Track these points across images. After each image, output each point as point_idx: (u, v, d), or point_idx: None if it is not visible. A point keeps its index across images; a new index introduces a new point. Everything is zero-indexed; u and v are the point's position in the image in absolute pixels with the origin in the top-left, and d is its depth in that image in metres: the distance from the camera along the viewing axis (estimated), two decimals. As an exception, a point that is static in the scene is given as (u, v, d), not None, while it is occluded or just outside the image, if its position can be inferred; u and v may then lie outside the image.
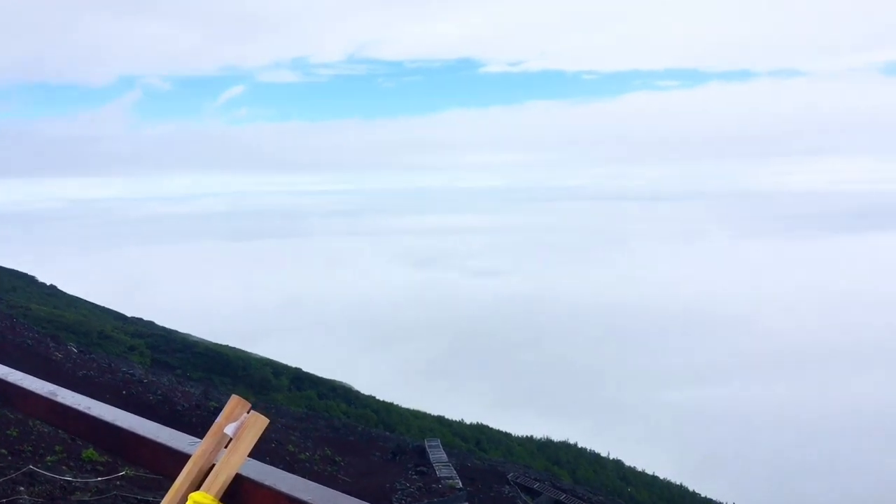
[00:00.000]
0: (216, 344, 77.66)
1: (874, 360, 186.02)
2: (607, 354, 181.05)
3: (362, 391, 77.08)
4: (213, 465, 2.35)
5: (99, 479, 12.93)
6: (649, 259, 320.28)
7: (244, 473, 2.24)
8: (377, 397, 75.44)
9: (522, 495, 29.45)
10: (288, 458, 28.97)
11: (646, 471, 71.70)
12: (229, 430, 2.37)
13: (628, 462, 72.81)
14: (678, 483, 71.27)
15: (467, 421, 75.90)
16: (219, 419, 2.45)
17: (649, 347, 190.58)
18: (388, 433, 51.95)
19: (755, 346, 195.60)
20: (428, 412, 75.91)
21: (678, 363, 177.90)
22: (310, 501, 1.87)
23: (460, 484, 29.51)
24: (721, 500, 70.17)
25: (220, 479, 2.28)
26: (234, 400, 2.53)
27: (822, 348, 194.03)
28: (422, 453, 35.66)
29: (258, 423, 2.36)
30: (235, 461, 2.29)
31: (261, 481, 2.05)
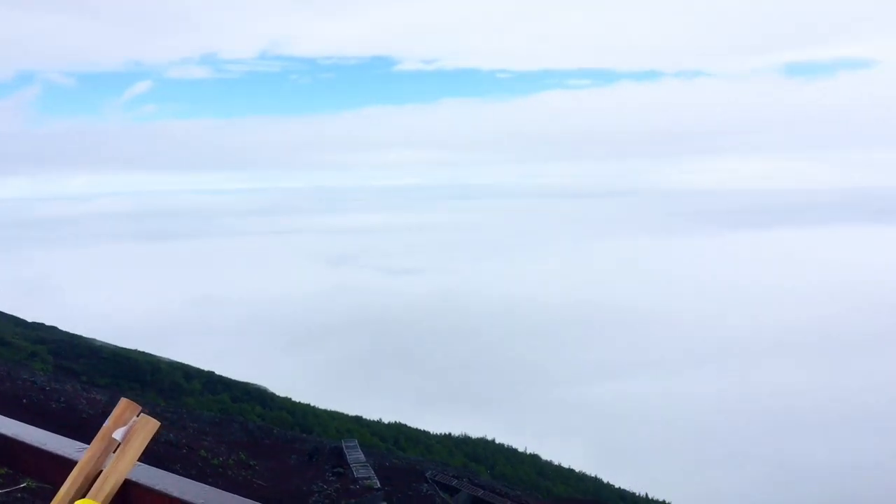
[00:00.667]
0: (123, 348, 75.18)
1: (775, 351, 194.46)
2: (523, 351, 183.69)
3: (278, 393, 75.97)
4: (101, 470, 2.22)
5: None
6: (563, 256, 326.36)
7: (133, 479, 2.12)
8: (293, 399, 74.49)
9: (441, 493, 29.53)
10: (200, 464, 28.24)
11: (562, 464, 73.00)
12: (118, 434, 2.23)
13: (545, 456, 73.96)
14: (593, 475, 72.82)
15: (385, 420, 75.73)
16: (107, 423, 2.31)
17: (564, 343, 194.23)
18: (304, 435, 51.30)
19: (665, 340, 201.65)
20: (345, 413, 75.37)
21: (592, 358, 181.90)
22: None
23: (378, 484, 29.37)
24: (634, 491, 72.01)
25: (107, 484, 2.16)
26: (124, 403, 2.39)
27: (725, 341, 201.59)
28: (339, 454, 35.34)
29: (148, 427, 2.23)
30: (124, 466, 2.16)
31: (151, 486, 1.94)
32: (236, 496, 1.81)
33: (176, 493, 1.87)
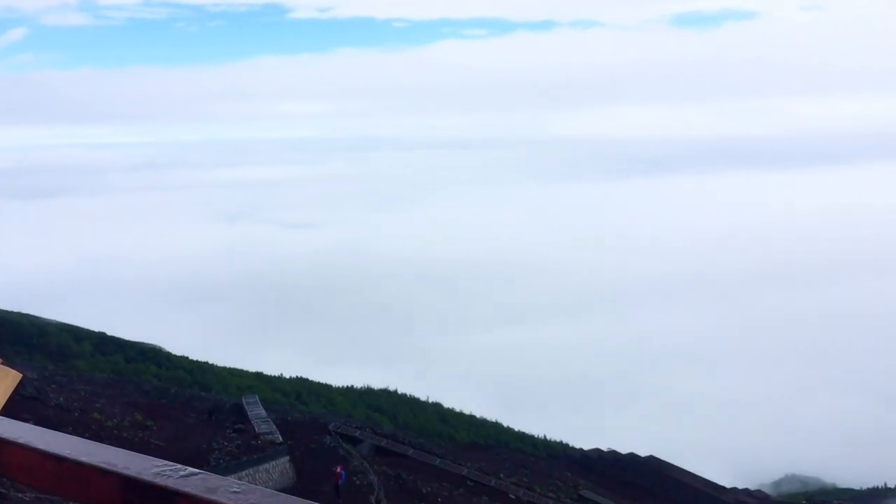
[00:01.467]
0: (6, 311, 71.60)
1: (661, 293, 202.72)
2: (423, 301, 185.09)
3: (174, 352, 74.12)
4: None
5: None
6: (460, 207, 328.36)
7: (-5, 434, 1.95)
8: (191, 357, 72.91)
9: (344, 444, 29.61)
10: (94, 427, 27.35)
11: (464, 411, 74.37)
12: (-23, 389, 2.05)
13: (447, 404, 75.14)
14: (494, 420, 74.62)
15: (287, 375, 75.18)
16: (-35, 379, 2.12)
17: (463, 292, 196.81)
18: (203, 393, 50.37)
19: (559, 286, 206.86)
20: (246, 369, 74.37)
21: (490, 306, 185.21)
22: (67, 455, 1.63)
23: (280, 438, 29.18)
24: (533, 433, 74.26)
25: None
26: (-18, 356, 2.20)
27: (616, 286, 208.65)
28: (240, 411, 34.89)
29: (8, 379, 2.07)
30: (-17, 423, 1.98)
31: (13, 439, 1.78)
32: (108, 446, 1.68)
33: (41, 447, 1.73)
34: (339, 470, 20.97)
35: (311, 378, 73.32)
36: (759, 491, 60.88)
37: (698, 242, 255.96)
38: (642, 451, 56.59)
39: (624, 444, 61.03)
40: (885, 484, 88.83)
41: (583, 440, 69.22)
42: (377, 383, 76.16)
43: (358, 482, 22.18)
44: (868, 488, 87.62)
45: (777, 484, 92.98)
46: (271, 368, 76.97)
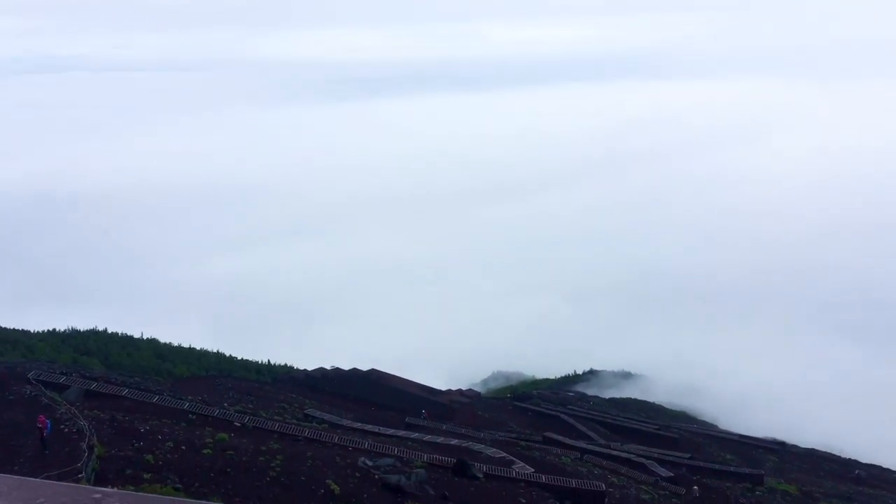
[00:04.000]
0: None
1: (378, 214, 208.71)
2: (129, 234, 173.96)
3: None
4: None
5: None
6: (163, 132, 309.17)
7: None
8: None
9: (47, 392, 27.47)
10: None
11: (182, 344, 72.02)
12: None
13: (163, 339, 72.24)
14: (215, 350, 73.22)
15: (-30, 324, 67.37)
16: None
17: (171, 222, 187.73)
18: None
19: (272, 212, 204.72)
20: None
21: (200, 235, 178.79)
22: None
23: (-30, 393, 26.34)
24: (257, 359, 74.06)
25: None
26: None
27: (332, 210, 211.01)
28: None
29: None
30: None
31: None
32: None
33: None
34: (42, 420, 19.52)
35: (3, 325, 66.38)
36: (470, 390, 66.33)
37: (408, 164, 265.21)
38: (364, 366, 58.91)
39: (346, 362, 63.06)
40: (575, 372, 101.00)
41: (306, 362, 70.44)
42: (83, 324, 70.94)
43: (66, 430, 20.85)
44: (562, 377, 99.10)
45: (486, 382, 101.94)
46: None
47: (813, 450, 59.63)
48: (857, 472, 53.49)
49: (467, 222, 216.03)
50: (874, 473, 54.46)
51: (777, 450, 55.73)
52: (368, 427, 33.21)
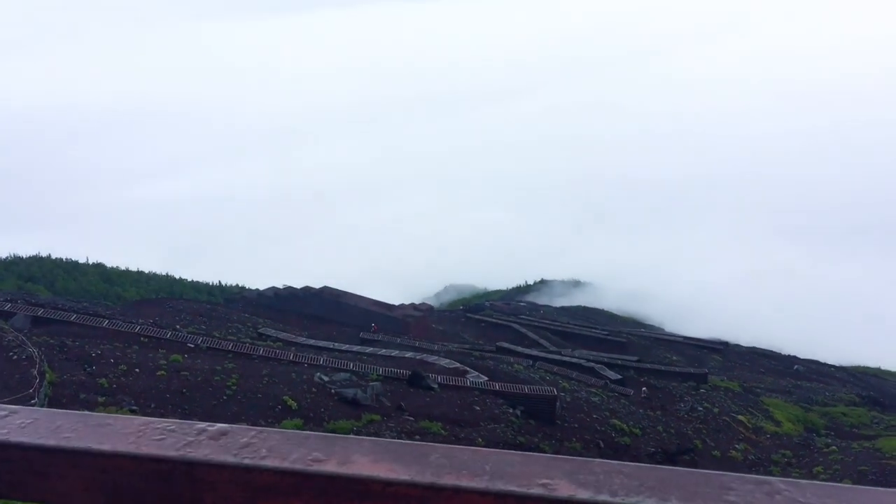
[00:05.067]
0: None
1: (314, 131, 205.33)
2: (66, 156, 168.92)
3: None
4: None
5: None
6: (95, 51, 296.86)
7: None
8: None
9: (-7, 320, 26.95)
10: None
11: (130, 268, 71.10)
12: None
13: (110, 263, 71.15)
14: (164, 273, 72.46)
15: None
16: None
17: (110, 144, 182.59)
18: None
19: (211, 131, 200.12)
20: None
21: (141, 157, 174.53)
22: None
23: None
24: (208, 281, 73.52)
25: None
26: None
27: (269, 127, 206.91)
28: None
29: None
30: None
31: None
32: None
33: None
34: (-11, 348, 19.20)
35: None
36: (423, 304, 66.98)
37: (352, 77, 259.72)
38: (316, 284, 58.91)
39: (299, 280, 62.99)
40: (526, 282, 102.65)
41: (258, 282, 70.17)
42: (25, 250, 69.37)
43: (15, 357, 20.57)
44: (513, 287, 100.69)
45: (438, 295, 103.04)
46: None
47: (754, 348, 62.00)
48: (795, 367, 55.92)
49: (414, 136, 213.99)
50: (812, 368, 56.99)
51: (720, 349, 57.78)
52: (323, 343, 33.45)
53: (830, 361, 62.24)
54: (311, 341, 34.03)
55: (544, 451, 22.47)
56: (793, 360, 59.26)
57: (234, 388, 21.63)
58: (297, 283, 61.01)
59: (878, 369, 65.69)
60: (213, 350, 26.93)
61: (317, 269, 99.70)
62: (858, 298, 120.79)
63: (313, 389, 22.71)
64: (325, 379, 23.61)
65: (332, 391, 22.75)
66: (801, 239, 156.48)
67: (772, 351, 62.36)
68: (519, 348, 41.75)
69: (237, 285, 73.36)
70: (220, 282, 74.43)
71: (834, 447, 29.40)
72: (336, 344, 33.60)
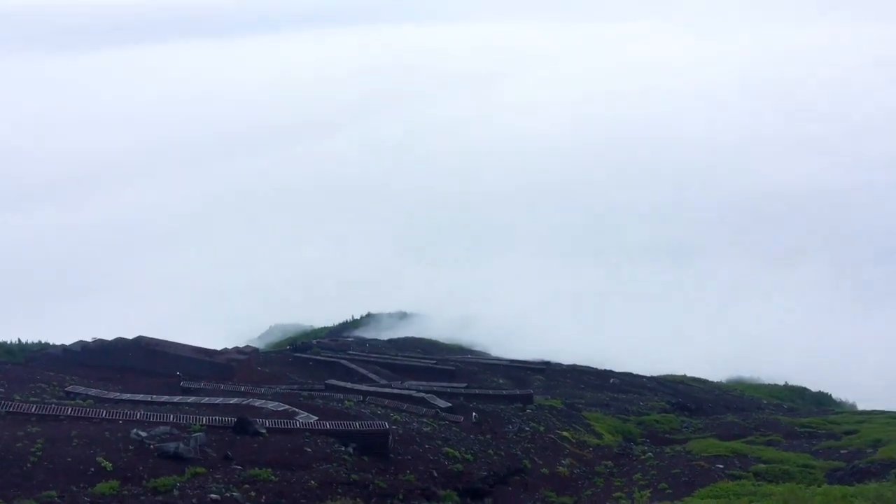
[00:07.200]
0: None
1: (121, 176, 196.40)
2: None
3: None
4: None
5: None
6: None
7: None
8: None
9: None
10: None
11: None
12: None
13: None
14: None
15: None
16: None
17: None
18: None
19: (6, 175, 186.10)
20: None
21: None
22: None
23: None
24: (4, 340, 67.41)
25: None
26: None
27: (68, 171, 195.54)
28: None
29: None
30: None
31: None
32: None
33: None
34: None
35: None
36: (247, 347, 64.87)
37: (149, 118, 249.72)
38: (131, 334, 55.46)
39: (110, 332, 59.03)
40: (353, 317, 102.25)
41: (64, 336, 65.05)
42: None
43: None
44: (340, 323, 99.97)
45: (263, 337, 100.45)
46: None
47: (574, 365, 64.94)
48: (612, 380, 59.12)
49: (232, 174, 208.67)
50: (626, 380, 60.45)
51: (543, 369, 60.03)
52: (139, 397, 31.51)
53: (642, 373, 66.40)
54: (127, 396, 31.96)
55: (380, 487, 22.30)
56: (609, 374, 62.59)
57: (39, 454, 19.85)
58: (110, 335, 57.20)
59: (684, 377, 70.86)
60: (13, 415, 24.62)
61: (132, 318, 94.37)
62: (661, 311, 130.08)
63: (130, 447, 21.30)
64: (143, 434, 22.21)
65: (152, 447, 21.44)
66: (604, 257, 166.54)
67: (590, 367, 65.59)
68: (349, 384, 41.34)
69: (39, 342, 67.66)
70: (18, 339, 68.36)
71: (650, 453, 31.20)
72: (154, 396, 31.74)
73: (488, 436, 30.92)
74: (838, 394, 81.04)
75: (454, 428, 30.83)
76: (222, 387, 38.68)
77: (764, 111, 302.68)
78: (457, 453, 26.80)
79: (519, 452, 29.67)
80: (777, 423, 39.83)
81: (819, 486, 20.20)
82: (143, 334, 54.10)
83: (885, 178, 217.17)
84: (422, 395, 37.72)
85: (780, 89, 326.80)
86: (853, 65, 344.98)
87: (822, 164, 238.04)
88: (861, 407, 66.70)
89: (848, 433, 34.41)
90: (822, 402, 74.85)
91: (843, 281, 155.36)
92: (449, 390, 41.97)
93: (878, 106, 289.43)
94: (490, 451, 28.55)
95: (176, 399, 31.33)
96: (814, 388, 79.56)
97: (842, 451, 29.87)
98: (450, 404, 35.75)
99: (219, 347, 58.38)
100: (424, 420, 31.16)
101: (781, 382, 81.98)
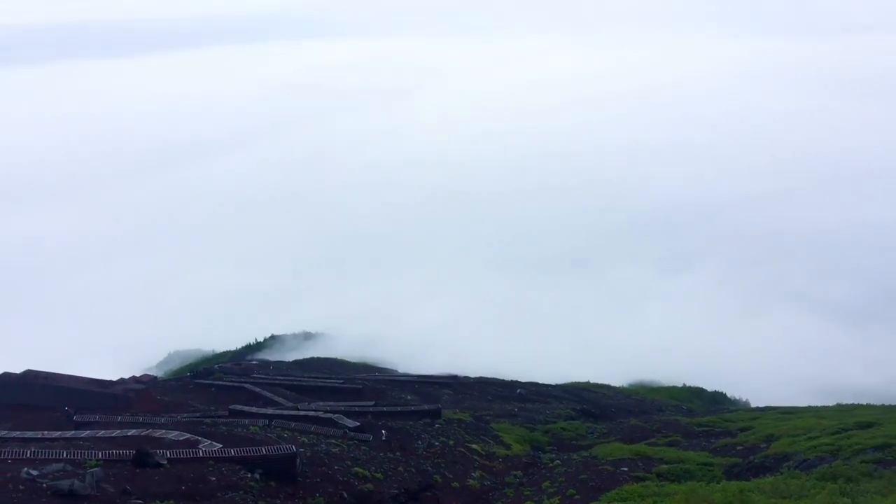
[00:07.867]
0: None
1: (43, 193, 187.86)
2: None
3: None
4: None
5: None
6: None
7: None
8: None
9: None
10: None
11: None
12: None
13: None
14: None
15: None
16: None
17: None
18: None
19: None
20: None
21: None
22: None
23: None
24: None
25: None
26: None
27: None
28: None
29: None
30: None
31: None
32: None
33: None
34: None
35: None
36: (145, 375, 62.45)
37: (41, 140, 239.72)
38: (18, 368, 52.65)
39: (-4, 366, 55.82)
40: (256, 339, 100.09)
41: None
42: None
43: None
44: (242, 346, 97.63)
45: (162, 365, 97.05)
46: None
47: (482, 377, 65.44)
48: (518, 391, 59.85)
49: (123, 199, 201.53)
50: (533, 389, 61.36)
51: (451, 383, 60.21)
52: (29, 434, 29.89)
53: (548, 381, 67.52)
54: (15, 433, 30.26)
55: (288, 512, 21.84)
56: (516, 384, 63.34)
57: (-82, 501, 18.57)
58: (-6, 371, 54.08)
59: (588, 383, 72.47)
60: None
61: (20, 351, 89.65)
62: (564, 321, 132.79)
63: (21, 487, 20.15)
64: (35, 473, 21.06)
65: (44, 485, 20.34)
66: (506, 270, 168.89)
67: (497, 378, 66.21)
68: (253, 409, 40.37)
69: (-84, 381, 63.38)
70: None
71: (558, 461, 31.70)
72: (46, 433, 30.17)
73: (398, 453, 30.77)
74: (732, 392, 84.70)
75: (363, 447, 30.54)
76: (119, 419, 37.12)
77: (657, 121, 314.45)
78: (367, 472, 26.55)
79: (429, 468, 29.63)
80: (677, 424, 41.22)
81: (718, 483, 20.99)
82: (32, 368, 51.42)
83: (768, 187, 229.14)
84: (329, 415, 37.20)
85: (674, 100, 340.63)
86: (743, 78, 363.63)
87: (711, 173, 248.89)
88: (754, 404, 69.93)
89: (743, 430, 35.96)
90: (718, 401, 78.02)
91: (730, 284, 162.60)
92: (357, 409, 41.55)
93: (765, 117, 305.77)
94: (400, 469, 28.41)
95: (69, 434, 29.89)
96: (710, 388, 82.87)
97: (738, 448, 31.16)
98: (358, 423, 35.39)
99: (115, 377, 56.02)
100: (333, 441, 30.74)
101: (680, 384, 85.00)
